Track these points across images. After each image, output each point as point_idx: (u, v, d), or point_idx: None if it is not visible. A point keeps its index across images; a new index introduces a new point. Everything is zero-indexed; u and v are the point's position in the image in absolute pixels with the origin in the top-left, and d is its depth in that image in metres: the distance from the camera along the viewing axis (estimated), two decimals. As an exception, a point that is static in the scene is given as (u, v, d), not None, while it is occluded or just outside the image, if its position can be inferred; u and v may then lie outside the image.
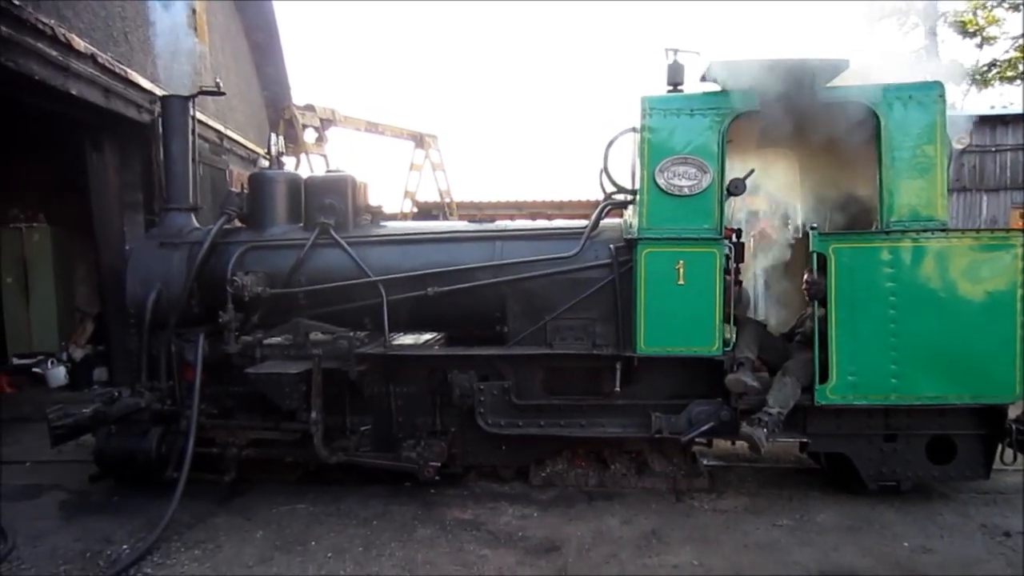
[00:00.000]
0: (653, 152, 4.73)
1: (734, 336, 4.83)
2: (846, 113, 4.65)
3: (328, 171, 6.30)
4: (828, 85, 4.62)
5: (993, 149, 13.85)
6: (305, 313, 5.27)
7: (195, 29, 9.12)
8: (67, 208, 9.47)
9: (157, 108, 7.35)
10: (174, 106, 5.78)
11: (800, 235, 5.67)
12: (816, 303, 4.71)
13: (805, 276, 4.83)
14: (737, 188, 4.73)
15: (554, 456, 5.34)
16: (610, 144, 5.07)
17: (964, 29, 16.72)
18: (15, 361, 9.39)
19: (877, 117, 4.56)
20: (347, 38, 43.40)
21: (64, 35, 6.12)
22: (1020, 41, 16.29)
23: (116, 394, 5.11)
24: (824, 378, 4.63)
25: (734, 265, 4.90)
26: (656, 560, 4.07)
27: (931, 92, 4.57)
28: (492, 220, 5.79)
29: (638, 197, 4.83)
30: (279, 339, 5.11)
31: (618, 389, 4.92)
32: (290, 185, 5.68)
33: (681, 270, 4.68)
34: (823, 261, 4.61)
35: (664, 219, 4.72)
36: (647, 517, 4.67)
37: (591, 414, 5.06)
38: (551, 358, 5.06)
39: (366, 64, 43.24)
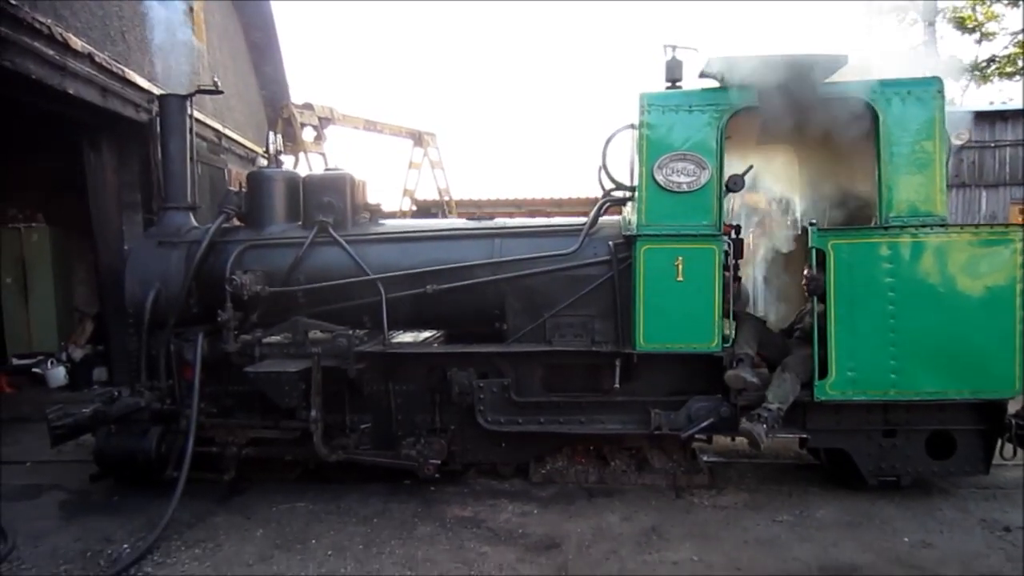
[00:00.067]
0: (652, 148, 4.72)
1: (733, 332, 4.83)
2: (845, 109, 4.65)
3: (326, 169, 6.30)
4: (827, 81, 4.61)
5: (992, 145, 13.85)
6: (304, 311, 5.27)
7: (193, 28, 9.11)
8: (66, 208, 9.46)
9: (155, 107, 7.35)
10: (172, 105, 5.77)
11: (799, 231, 5.67)
12: (815, 299, 4.71)
13: (804, 272, 4.82)
14: (736, 184, 4.73)
15: (554, 453, 5.35)
16: (608, 141, 5.06)
17: (963, 25, 16.70)
18: (15, 361, 9.39)
19: (876, 113, 4.56)
20: (345, 37, 43.37)
21: (61, 34, 6.12)
22: (1019, 37, 16.27)
23: (116, 394, 5.11)
24: (823, 374, 4.63)
25: (733, 261, 4.90)
26: (656, 556, 4.08)
27: (930, 88, 4.56)
28: (491, 218, 5.79)
29: (637, 194, 4.82)
30: (278, 338, 5.11)
31: (617, 386, 4.93)
32: (288, 184, 5.67)
33: (680, 266, 4.68)
34: (822, 257, 4.61)
35: (663, 215, 4.72)
36: (647, 513, 4.68)
37: (591, 411, 5.06)
38: (550, 355, 5.06)
39: (364, 62, 43.21)
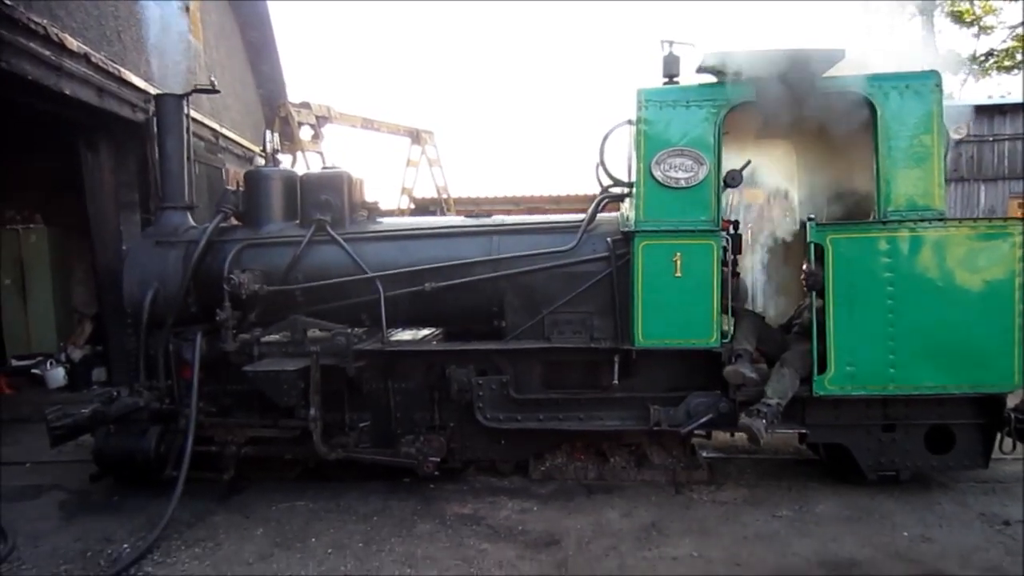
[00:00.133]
0: (649, 144, 4.71)
1: (732, 328, 4.83)
2: (843, 103, 4.64)
3: (324, 168, 6.29)
4: (825, 75, 4.60)
5: (991, 139, 13.83)
6: (302, 310, 5.26)
7: (189, 27, 9.08)
8: (64, 209, 9.45)
9: (151, 107, 7.32)
10: (168, 104, 5.77)
11: (798, 226, 5.66)
12: (814, 294, 4.70)
13: (803, 267, 4.82)
14: (734, 179, 4.72)
15: (553, 450, 5.35)
16: (606, 137, 5.07)
17: (961, 19, 16.68)
18: (14, 362, 9.39)
19: (874, 107, 4.55)
20: (342, 35, 43.30)
21: (57, 34, 6.10)
22: (1017, 31, 16.26)
23: (115, 394, 5.10)
24: (822, 369, 4.63)
25: (731, 257, 4.90)
26: (656, 552, 4.08)
27: (928, 81, 4.56)
28: (489, 215, 5.79)
29: (635, 190, 4.82)
30: (277, 336, 5.11)
31: (616, 382, 4.93)
32: (286, 182, 5.66)
33: (678, 262, 4.67)
34: (820, 252, 4.60)
35: (661, 211, 4.71)
36: (646, 509, 4.68)
37: (590, 407, 5.06)
38: (549, 352, 5.06)
39: (361, 61, 43.14)
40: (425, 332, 5.32)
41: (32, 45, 5.77)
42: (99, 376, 8.91)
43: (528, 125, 40.55)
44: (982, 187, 13.82)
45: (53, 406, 5.12)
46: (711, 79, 4.77)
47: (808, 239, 4.64)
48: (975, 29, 16.74)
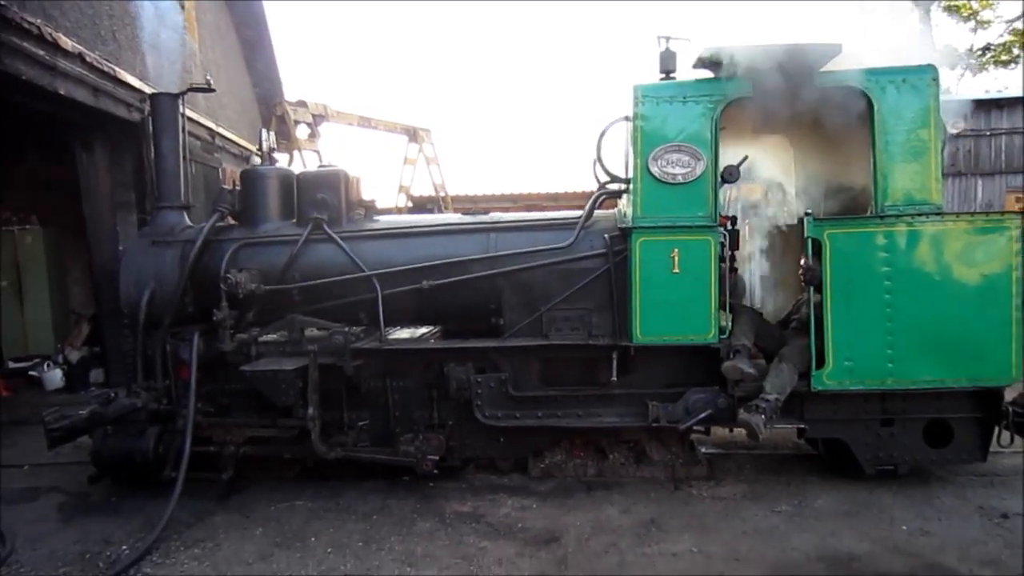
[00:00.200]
0: (646, 140, 4.71)
1: (730, 324, 4.83)
2: (840, 98, 4.63)
3: (320, 166, 6.28)
4: (822, 70, 4.59)
5: (988, 133, 13.85)
6: (300, 309, 5.25)
7: (184, 26, 9.05)
8: (60, 209, 9.42)
9: (147, 106, 7.30)
10: (163, 104, 5.74)
11: (795, 221, 5.66)
12: (812, 289, 4.70)
13: (800, 262, 4.82)
14: (731, 175, 4.71)
15: (552, 447, 5.35)
16: (603, 133, 5.06)
17: (958, 13, 16.67)
18: (11, 364, 9.37)
19: (870, 101, 4.55)
20: (338, 33, 43.21)
21: (50, 34, 6.06)
22: (1015, 25, 16.26)
23: (112, 395, 5.09)
24: (820, 364, 4.64)
25: (729, 252, 4.89)
26: (655, 548, 4.08)
27: (924, 75, 4.55)
28: (486, 212, 5.78)
29: (632, 186, 4.81)
30: (274, 336, 5.10)
31: (615, 379, 4.92)
32: (282, 181, 5.65)
33: (676, 258, 4.67)
34: (818, 247, 4.60)
35: (658, 207, 4.71)
36: (646, 506, 4.68)
37: (588, 404, 5.06)
38: (547, 349, 5.05)
39: (358, 59, 43.05)
40: (423, 330, 5.31)
41: (26, 45, 5.74)
42: (97, 377, 8.88)
43: (526, 122, 40.50)
44: (979, 181, 13.84)
45: (50, 408, 5.10)
46: (708, 74, 4.77)
47: (806, 234, 4.64)
48: (972, 24, 16.73)
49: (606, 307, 4.95)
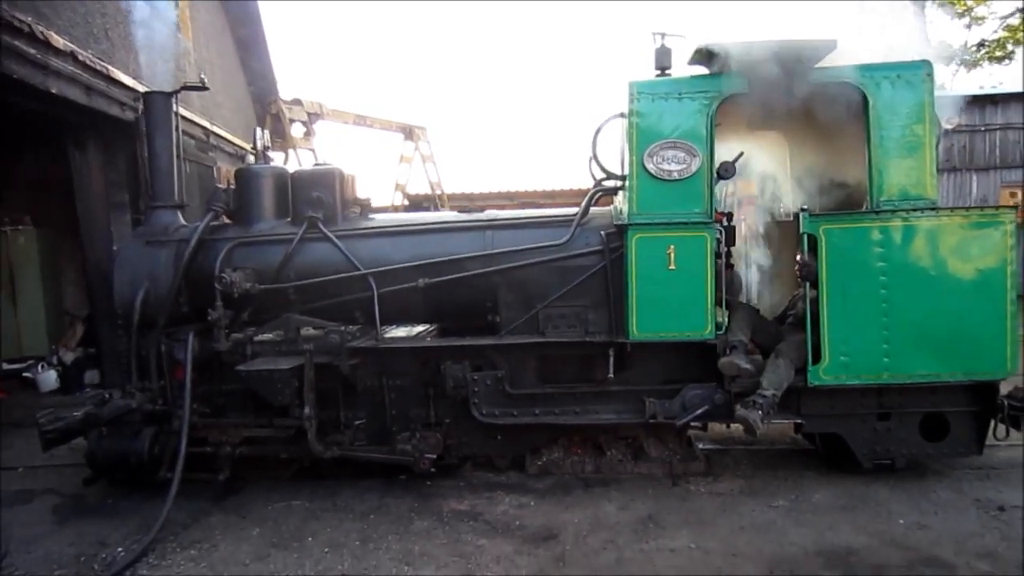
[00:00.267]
0: (642, 137, 4.70)
1: (726, 320, 4.83)
2: (835, 93, 4.63)
3: (315, 164, 6.25)
4: (817, 66, 4.59)
5: (983, 129, 13.89)
6: (295, 308, 5.23)
7: (178, 24, 9.00)
8: (53, 209, 9.37)
9: (141, 105, 7.26)
10: (157, 103, 5.71)
11: (790, 217, 5.66)
12: (808, 284, 4.71)
13: (796, 257, 4.82)
14: (727, 171, 4.71)
15: (550, 444, 5.34)
16: (598, 130, 5.04)
17: (953, 4, 16.69)
18: (4, 366, 9.30)
19: (865, 97, 4.55)
20: (333, 32, 43.08)
21: (42, 32, 6.02)
22: (1009, 20, 16.29)
23: (107, 396, 5.06)
24: (817, 359, 4.64)
25: (725, 249, 4.89)
26: (653, 544, 4.08)
27: (919, 71, 4.55)
28: (482, 210, 5.76)
29: (627, 183, 4.80)
30: (270, 335, 5.08)
31: (612, 375, 4.92)
32: (277, 180, 5.62)
33: (672, 255, 4.66)
34: (814, 242, 4.61)
35: (654, 204, 4.70)
36: (644, 502, 4.68)
37: (585, 401, 5.06)
38: (544, 346, 5.05)
39: (353, 57, 42.95)
40: (419, 328, 5.29)
41: (17, 43, 5.70)
42: (92, 378, 8.83)
43: (522, 120, 40.46)
44: (974, 176, 13.89)
45: (45, 410, 5.08)
46: (703, 71, 4.76)
47: (801, 230, 4.64)
48: (966, 20, 16.77)
49: (602, 304, 4.95)
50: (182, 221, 5.71)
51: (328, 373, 4.85)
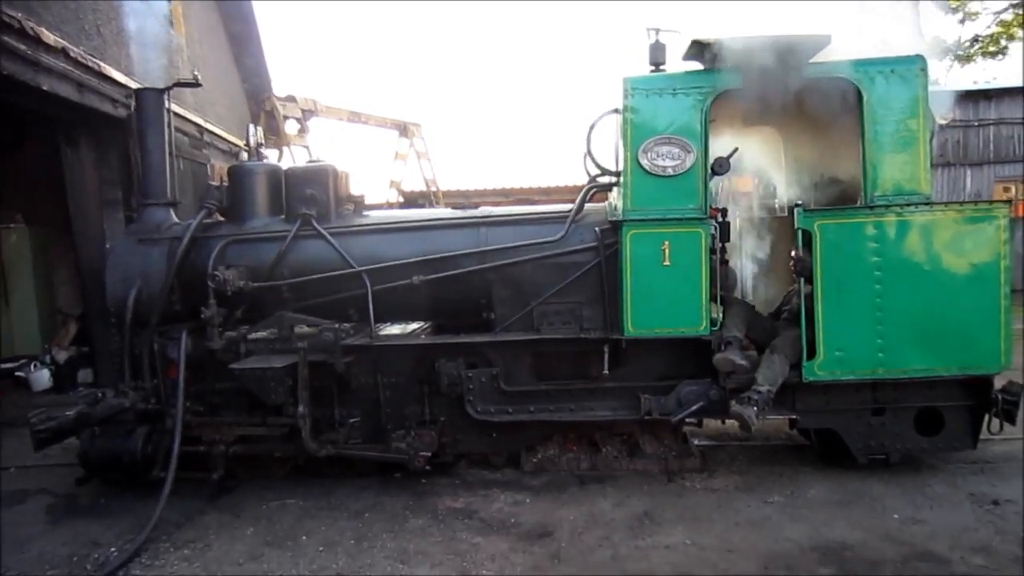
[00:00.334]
0: (636, 133, 4.69)
1: (721, 316, 4.82)
2: (829, 89, 4.63)
3: (309, 161, 6.22)
4: (811, 61, 4.58)
5: (976, 124, 13.93)
6: (289, 306, 5.21)
7: (171, 21, 8.94)
8: (45, 207, 9.30)
9: (133, 102, 7.20)
10: (149, 99, 5.67)
11: (785, 213, 5.66)
12: (802, 280, 4.70)
13: (791, 253, 4.81)
14: (721, 167, 4.71)
15: (545, 441, 5.33)
16: (592, 126, 5.03)
17: (946, 2, 16.70)
18: (-3, 365, 9.25)
19: (859, 92, 4.54)
20: (327, 28, 42.93)
21: (32, 28, 5.97)
22: (1002, 16, 16.30)
23: (100, 395, 5.03)
24: (812, 354, 4.64)
25: (720, 245, 4.88)
26: (649, 541, 4.08)
27: (913, 66, 4.55)
28: (476, 207, 5.74)
29: (622, 179, 4.79)
30: (264, 333, 5.05)
31: (607, 372, 4.92)
32: (270, 177, 5.59)
33: (667, 251, 4.66)
34: (809, 238, 4.60)
35: (649, 200, 4.69)
36: (639, 499, 4.68)
37: (581, 398, 5.05)
38: (539, 343, 5.04)
39: (348, 54, 42.79)
40: (414, 326, 5.27)
41: (7, 39, 5.65)
42: (85, 377, 8.78)
43: (517, 116, 40.39)
44: (968, 171, 13.92)
45: (37, 409, 5.04)
46: (697, 66, 4.75)
47: (796, 225, 4.64)
48: (960, 15, 16.77)
49: (597, 300, 4.94)
50: (175, 219, 5.68)
51: (322, 371, 4.83)
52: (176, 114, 7.52)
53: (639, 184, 4.70)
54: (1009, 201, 5.00)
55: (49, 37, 6.23)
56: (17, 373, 9.00)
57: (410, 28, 43.53)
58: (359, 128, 13.33)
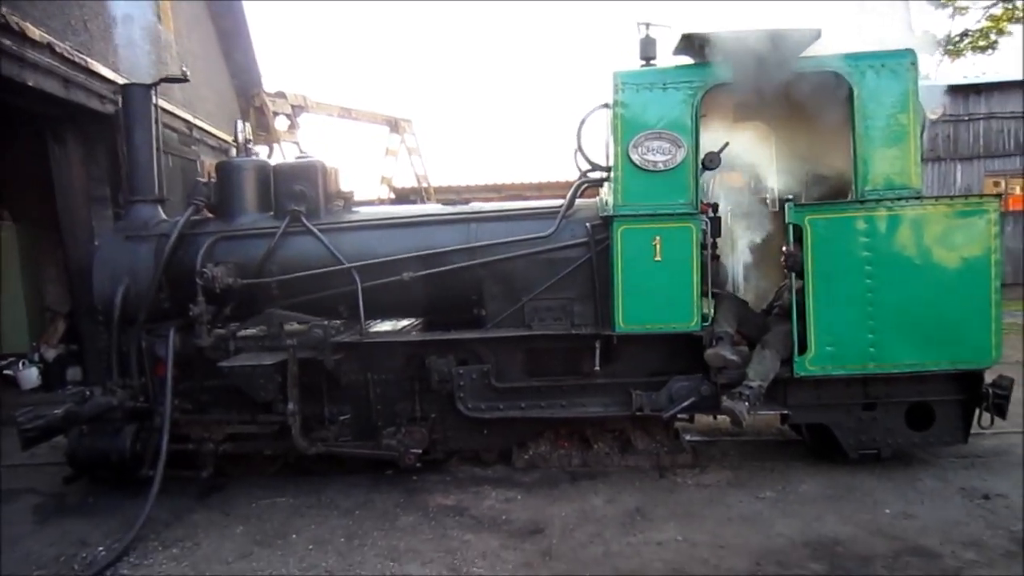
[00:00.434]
0: (626, 128, 4.66)
1: (712, 311, 4.81)
2: (819, 83, 4.61)
3: (298, 157, 6.17)
4: (801, 55, 4.57)
5: (966, 118, 13.97)
6: (278, 303, 5.16)
7: (159, 16, 8.86)
8: (33, 204, 9.20)
9: (120, 98, 7.13)
10: (135, 95, 5.61)
11: (776, 207, 5.65)
12: (794, 275, 4.70)
13: (783, 248, 4.81)
14: (712, 162, 4.69)
15: (536, 438, 5.31)
16: (583, 121, 5.01)
17: (936, -2, 16.72)
18: (-15, 363, 9.16)
19: (850, 86, 4.53)
20: (317, 24, 42.69)
21: (17, 23, 5.90)
22: (991, 10, 16.34)
23: (88, 393, 4.98)
24: (803, 349, 4.64)
25: (711, 240, 4.87)
26: (640, 537, 4.07)
27: (903, 60, 4.54)
28: (467, 203, 5.71)
29: (612, 174, 4.77)
30: (253, 331, 5.00)
31: (598, 368, 4.90)
32: (259, 173, 5.53)
33: (658, 246, 4.64)
34: (800, 233, 4.59)
35: (639, 195, 4.67)
36: (631, 495, 4.67)
37: (572, 394, 5.04)
38: (530, 339, 5.02)
39: (338, 50, 42.60)
40: (404, 323, 5.24)
41: (-9, 35, 5.59)
42: (74, 375, 8.71)
43: (508, 112, 40.32)
44: (958, 166, 13.96)
45: (25, 407, 4.99)
46: (688, 61, 4.72)
47: (787, 220, 4.63)
48: (950, 9, 16.79)
49: (588, 296, 4.92)
50: (162, 215, 5.62)
51: (312, 368, 4.80)
52: (165, 110, 7.44)
53: (630, 179, 4.68)
54: (999, 195, 5.02)
55: (35, 32, 6.16)
56: (5, 371, 8.91)
57: (401, 23, 43.38)
58: (350, 124, 13.27)
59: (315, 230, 5.17)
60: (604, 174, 5.08)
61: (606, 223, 4.81)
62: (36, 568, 3.97)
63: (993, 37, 16.41)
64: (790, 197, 4.74)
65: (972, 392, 4.79)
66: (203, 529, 4.40)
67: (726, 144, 4.82)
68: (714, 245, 5.01)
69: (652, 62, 4.82)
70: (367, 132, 14.05)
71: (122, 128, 6.34)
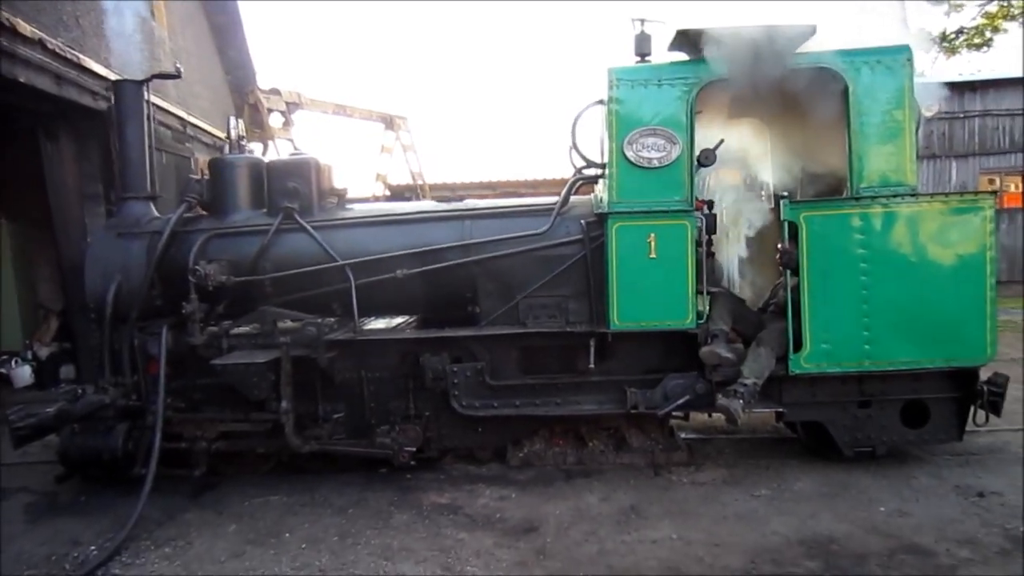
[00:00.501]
0: (621, 124, 4.64)
1: (708, 308, 4.80)
2: (815, 79, 4.60)
3: (291, 154, 6.14)
4: (797, 51, 4.55)
5: (962, 116, 13.98)
6: (272, 301, 5.14)
7: (152, 12, 8.81)
8: (25, 202, 9.14)
9: (112, 95, 7.08)
10: (128, 91, 5.57)
11: (772, 204, 5.64)
12: (788, 272, 4.69)
13: (778, 245, 4.79)
14: (707, 159, 4.67)
15: (531, 436, 5.29)
16: (577, 118, 4.99)
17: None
18: (-22, 362, 9.10)
19: (845, 82, 4.52)
20: (312, 20, 42.55)
21: (8, 19, 5.84)
22: (987, 7, 16.34)
23: (80, 391, 4.95)
24: (798, 347, 4.63)
25: (706, 237, 4.85)
26: (635, 535, 4.05)
27: (899, 56, 4.52)
28: (462, 200, 5.69)
29: (607, 171, 4.75)
30: (246, 328, 4.98)
31: (593, 366, 4.88)
32: (252, 170, 5.51)
33: (653, 243, 4.62)
34: (795, 230, 4.58)
35: (634, 192, 4.66)
36: (626, 493, 4.65)
37: (567, 392, 5.02)
38: (524, 337, 4.99)
39: (332, 46, 42.46)
40: (398, 320, 5.22)
41: (-20, 31, 5.54)
42: (68, 373, 8.66)
43: (503, 109, 40.26)
44: (953, 163, 13.98)
45: (16, 406, 4.96)
46: (683, 57, 4.70)
47: (782, 217, 4.61)
48: (945, 7, 16.80)
49: (583, 294, 4.90)
50: (155, 212, 5.59)
51: (306, 366, 4.78)
52: (158, 107, 7.39)
53: (624, 176, 4.66)
54: (995, 192, 5.01)
55: (25, 28, 6.11)
56: (-2, 370, 8.87)
57: (396, 20, 43.27)
58: (344, 121, 13.22)
59: (309, 227, 5.14)
60: (599, 171, 5.06)
61: (601, 220, 4.79)
62: (27, 568, 3.94)
63: (988, 34, 16.42)
64: (785, 194, 4.72)
65: (967, 390, 4.79)
66: (196, 528, 4.37)
67: (721, 141, 4.80)
68: (709, 242, 4.98)
69: (647, 58, 4.80)
70: (362, 129, 14.01)
71: (115, 124, 6.30)
